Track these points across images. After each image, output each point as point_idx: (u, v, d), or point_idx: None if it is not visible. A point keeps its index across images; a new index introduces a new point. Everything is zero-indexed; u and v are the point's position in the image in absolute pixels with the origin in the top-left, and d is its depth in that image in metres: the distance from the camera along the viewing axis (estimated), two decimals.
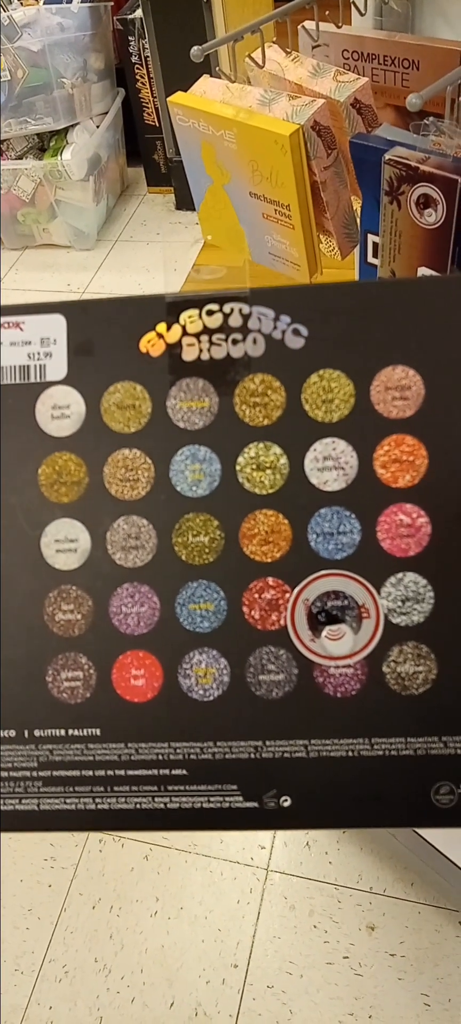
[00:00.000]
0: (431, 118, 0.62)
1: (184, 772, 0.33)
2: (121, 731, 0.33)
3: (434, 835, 0.85)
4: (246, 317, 0.32)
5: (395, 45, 0.72)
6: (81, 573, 0.33)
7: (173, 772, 0.33)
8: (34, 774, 0.33)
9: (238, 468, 0.32)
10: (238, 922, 0.99)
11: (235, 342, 0.32)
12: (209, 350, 0.32)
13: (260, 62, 0.74)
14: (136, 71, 2.12)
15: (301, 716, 0.32)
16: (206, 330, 0.32)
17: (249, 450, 0.32)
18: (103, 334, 0.33)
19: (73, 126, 2.07)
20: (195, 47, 0.71)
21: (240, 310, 0.32)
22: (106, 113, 2.17)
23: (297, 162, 0.67)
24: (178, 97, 0.74)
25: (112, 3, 2.13)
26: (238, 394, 0.32)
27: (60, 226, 2.18)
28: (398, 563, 0.31)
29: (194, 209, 0.81)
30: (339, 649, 0.32)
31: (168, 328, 0.32)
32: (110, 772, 0.33)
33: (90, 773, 0.33)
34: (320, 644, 0.32)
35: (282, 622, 0.32)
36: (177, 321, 0.32)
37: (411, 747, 0.32)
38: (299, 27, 0.77)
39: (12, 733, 0.33)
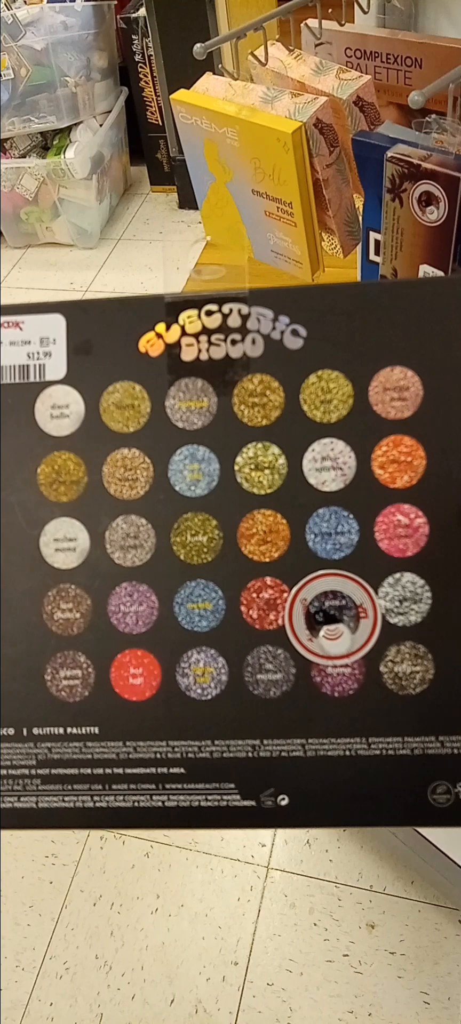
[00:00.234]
0: (433, 116, 0.62)
1: (182, 771, 0.33)
2: (119, 729, 0.33)
3: (435, 834, 0.86)
4: (245, 317, 0.32)
5: (398, 43, 0.72)
6: (80, 572, 0.33)
7: (171, 770, 0.33)
8: (33, 772, 0.33)
9: (236, 468, 0.32)
10: (238, 919, 0.99)
11: (234, 342, 0.32)
12: (208, 350, 0.32)
13: (263, 60, 0.74)
14: (139, 70, 2.12)
15: (299, 715, 0.32)
16: (205, 330, 0.32)
17: (247, 450, 0.32)
18: (102, 334, 0.33)
19: (76, 125, 2.07)
20: (198, 44, 0.71)
21: (239, 310, 0.32)
22: (109, 112, 2.17)
23: (299, 160, 0.67)
24: (181, 95, 0.74)
25: (116, 2, 2.13)
26: (237, 394, 0.32)
27: (63, 224, 2.18)
28: (396, 563, 0.31)
29: (197, 208, 0.81)
30: (337, 649, 0.32)
31: (167, 328, 0.32)
32: (108, 770, 0.33)
33: (88, 771, 0.33)
34: (318, 644, 0.32)
35: (280, 622, 0.32)
36: (176, 321, 0.32)
37: (408, 746, 0.32)
38: (302, 25, 0.77)
39: (11, 731, 0.33)
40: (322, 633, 0.32)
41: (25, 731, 0.33)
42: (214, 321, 0.32)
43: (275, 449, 0.32)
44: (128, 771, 0.33)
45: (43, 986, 0.98)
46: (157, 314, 0.32)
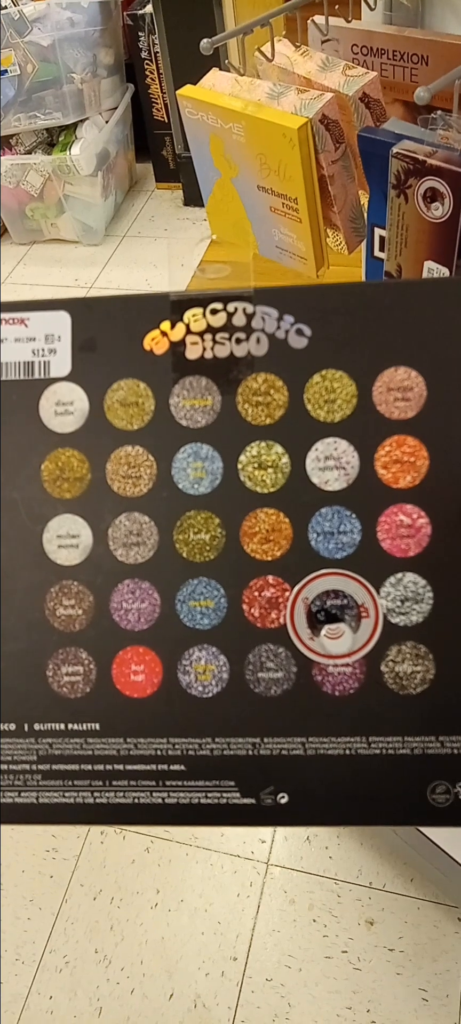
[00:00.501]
0: (439, 112, 0.62)
1: (182, 768, 0.33)
2: (120, 726, 0.33)
3: (435, 832, 0.86)
4: (250, 316, 0.32)
5: (404, 40, 0.72)
6: (82, 569, 0.33)
7: (171, 767, 0.33)
8: (33, 767, 0.33)
9: (240, 466, 0.32)
10: (238, 915, 0.99)
11: (238, 341, 0.32)
12: (212, 349, 0.32)
13: (269, 56, 0.74)
14: (146, 67, 2.12)
15: (299, 714, 0.32)
16: (210, 329, 0.32)
17: (251, 449, 0.32)
18: (107, 331, 0.33)
19: (82, 121, 2.07)
20: (204, 40, 0.71)
21: (244, 309, 0.32)
22: (115, 109, 2.17)
23: (305, 156, 0.67)
24: (187, 90, 0.73)
25: None
26: (241, 393, 0.32)
27: (68, 221, 2.17)
28: (398, 563, 0.31)
29: (202, 205, 0.81)
30: (338, 648, 0.32)
31: (172, 326, 0.32)
32: (109, 767, 0.33)
33: (89, 767, 0.33)
34: (319, 643, 0.32)
35: (281, 620, 0.32)
36: (181, 319, 0.32)
37: (408, 746, 0.32)
38: (309, 21, 0.76)
39: (12, 726, 0.33)
40: (323, 632, 0.32)
41: (26, 726, 0.33)
42: (219, 320, 0.32)
43: (278, 448, 0.32)
44: (128, 768, 0.33)
45: (43, 980, 0.98)
46: (162, 312, 0.32)
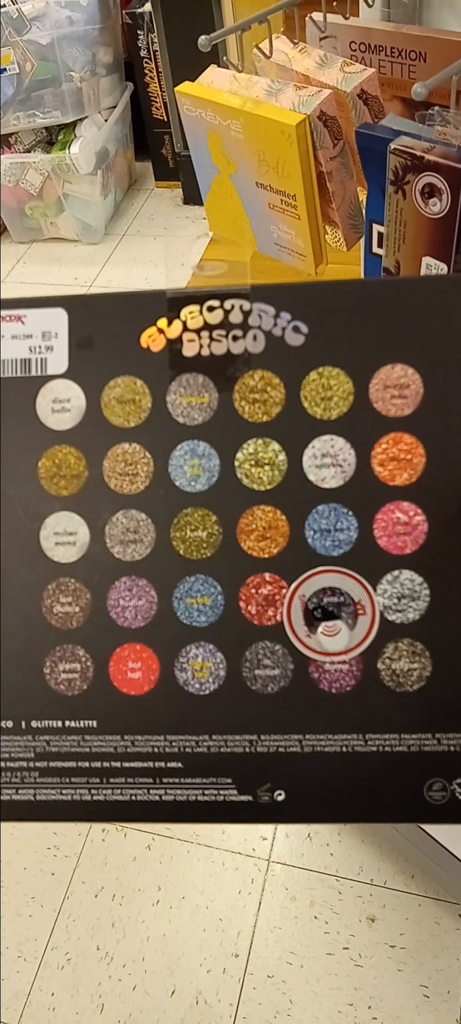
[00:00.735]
0: (436, 108, 0.62)
1: (179, 765, 0.33)
2: (117, 723, 0.33)
3: (436, 828, 0.86)
4: (247, 314, 0.32)
5: (402, 37, 0.71)
6: (80, 566, 0.33)
7: (169, 765, 0.33)
8: (31, 765, 0.33)
9: (237, 464, 0.32)
10: (239, 912, 0.99)
11: (235, 338, 0.32)
12: (209, 346, 0.32)
13: (267, 52, 0.73)
14: (145, 65, 2.11)
15: (296, 711, 0.32)
16: (207, 326, 0.32)
17: (248, 446, 0.32)
18: (104, 329, 0.33)
19: (81, 120, 2.07)
20: (203, 36, 0.71)
21: (241, 306, 0.32)
22: (114, 107, 2.16)
23: (303, 152, 0.67)
24: (185, 87, 0.73)
25: None
26: (238, 390, 0.32)
27: (68, 220, 2.17)
28: (394, 561, 0.31)
29: (201, 204, 0.81)
30: (335, 645, 0.32)
31: (169, 323, 0.32)
32: (106, 764, 0.33)
33: (86, 765, 0.33)
34: (316, 640, 0.32)
35: (278, 618, 0.32)
36: (178, 317, 0.32)
37: (405, 743, 0.32)
38: (307, 18, 0.76)
39: (9, 724, 0.33)
40: (320, 629, 0.32)
41: (24, 724, 0.33)
42: (216, 317, 0.32)
43: (275, 445, 0.32)
44: (126, 765, 0.33)
45: (45, 977, 0.98)
46: (159, 309, 0.32)
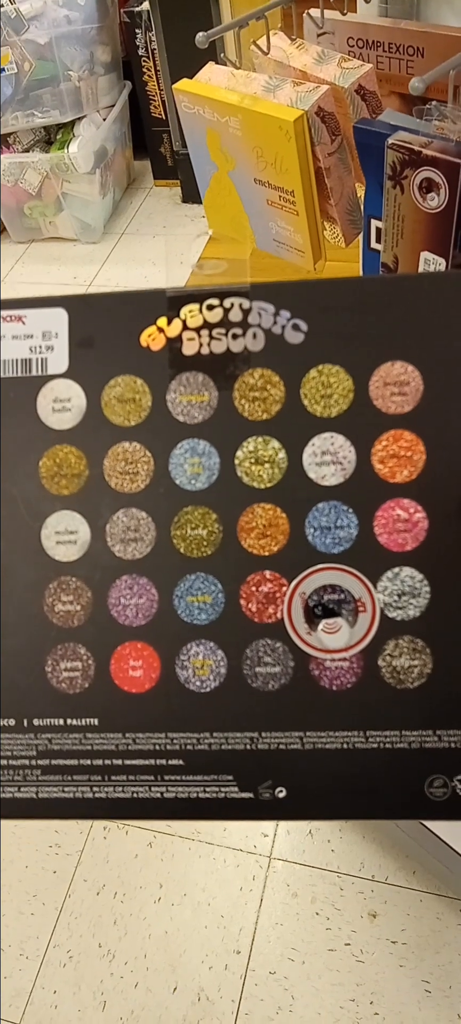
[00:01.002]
0: (434, 103, 0.62)
1: (181, 762, 0.33)
2: (119, 721, 0.33)
3: (437, 824, 0.86)
4: (246, 312, 0.32)
5: (400, 32, 0.71)
6: (81, 564, 0.33)
7: (170, 762, 0.33)
8: (33, 763, 0.33)
9: (237, 462, 0.32)
10: (241, 909, 1.00)
11: (235, 336, 0.32)
12: (209, 344, 0.32)
13: (265, 49, 0.73)
14: (143, 64, 2.11)
15: (297, 708, 0.32)
16: (206, 324, 0.32)
17: (248, 444, 0.32)
18: (104, 328, 0.33)
19: (80, 119, 2.07)
20: (200, 33, 0.71)
21: (240, 305, 0.32)
22: (113, 106, 2.16)
23: (301, 148, 0.67)
24: (183, 84, 0.73)
25: None
26: (237, 388, 0.32)
27: (66, 219, 2.17)
28: (395, 558, 0.31)
29: (200, 202, 0.81)
30: (335, 642, 0.32)
31: (169, 322, 0.32)
32: (107, 761, 0.33)
33: (88, 762, 0.33)
34: (316, 637, 0.32)
35: (279, 615, 0.32)
36: (178, 315, 0.32)
37: (405, 740, 0.32)
38: (304, 14, 0.76)
39: (11, 722, 0.33)
40: (321, 627, 0.32)
41: (25, 722, 0.33)
42: (215, 315, 0.32)
43: (275, 443, 0.32)
44: (127, 762, 0.33)
45: (47, 974, 0.98)
46: (159, 308, 0.32)
